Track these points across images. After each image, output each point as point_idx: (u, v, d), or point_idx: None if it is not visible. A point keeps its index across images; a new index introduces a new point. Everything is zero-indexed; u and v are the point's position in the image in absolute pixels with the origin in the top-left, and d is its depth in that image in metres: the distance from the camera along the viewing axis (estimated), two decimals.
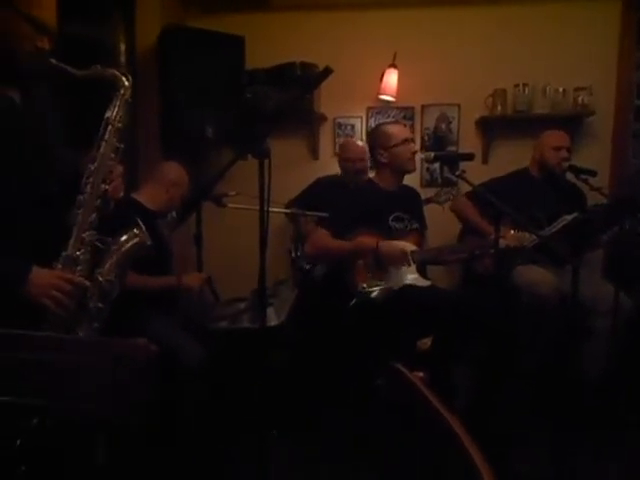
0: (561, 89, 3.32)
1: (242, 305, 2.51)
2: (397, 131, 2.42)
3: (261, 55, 3.34)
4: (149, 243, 1.51)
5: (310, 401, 2.39)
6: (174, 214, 2.30)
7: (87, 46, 2.88)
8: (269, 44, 3.43)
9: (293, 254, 3.17)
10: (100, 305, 1.41)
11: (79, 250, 1.38)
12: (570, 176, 2.82)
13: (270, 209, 1.53)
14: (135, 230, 1.50)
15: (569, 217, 2.43)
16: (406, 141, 2.39)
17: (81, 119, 1.48)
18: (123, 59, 3.09)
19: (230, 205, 2.55)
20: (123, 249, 1.47)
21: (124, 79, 1.45)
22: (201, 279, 2.29)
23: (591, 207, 2.76)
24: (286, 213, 3.02)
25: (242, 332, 2.33)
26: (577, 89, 3.30)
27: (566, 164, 2.79)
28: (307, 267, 2.88)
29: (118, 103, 1.44)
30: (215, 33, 3.12)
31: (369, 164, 2.97)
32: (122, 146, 1.45)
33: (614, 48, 3.37)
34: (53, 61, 1.36)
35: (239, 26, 3.27)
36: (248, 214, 2.08)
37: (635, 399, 2.46)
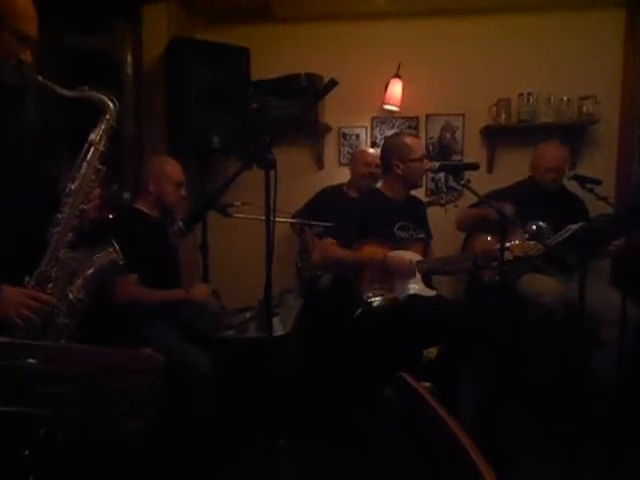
0: (565, 98, 3.31)
1: (248, 315, 2.51)
2: (418, 146, 2.43)
3: (267, 66, 3.37)
4: (122, 262, 1.52)
5: (317, 410, 2.38)
6: (180, 223, 2.30)
7: (94, 58, 2.92)
8: (274, 55, 3.46)
9: (299, 264, 3.17)
10: (67, 321, 1.41)
11: (53, 267, 1.39)
12: (575, 185, 2.81)
13: (276, 219, 1.54)
14: (109, 248, 1.51)
15: (575, 226, 2.43)
16: (423, 157, 2.42)
17: (66, 134, 1.48)
18: (130, 71, 3.13)
19: (236, 215, 2.56)
20: (95, 267, 1.48)
21: (110, 103, 1.45)
22: (207, 290, 2.28)
23: (597, 216, 2.75)
24: (291, 224, 3.03)
25: (248, 341, 2.33)
26: (582, 98, 3.30)
27: (570, 174, 2.80)
28: (313, 276, 2.88)
29: (103, 127, 1.45)
30: (221, 45, 3.15)
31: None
32: (103, 168, 1.46)
33: (618, 56, 3.37)
34: (40, 78, 1.35)
35: (245, 37, 3.30)
36: (254, 224, 2.09)
37: None
